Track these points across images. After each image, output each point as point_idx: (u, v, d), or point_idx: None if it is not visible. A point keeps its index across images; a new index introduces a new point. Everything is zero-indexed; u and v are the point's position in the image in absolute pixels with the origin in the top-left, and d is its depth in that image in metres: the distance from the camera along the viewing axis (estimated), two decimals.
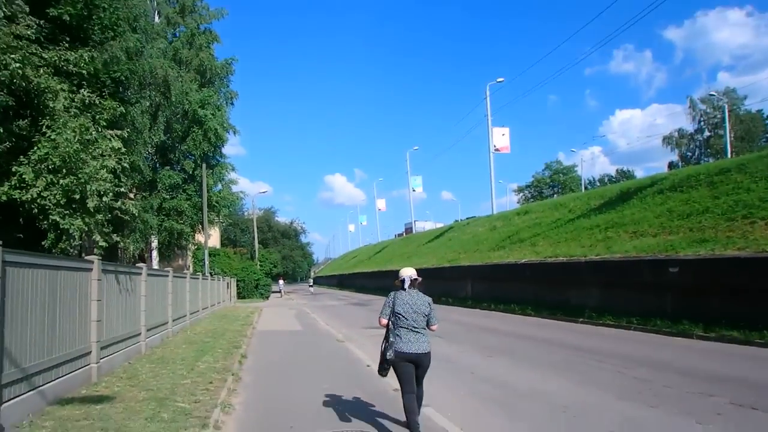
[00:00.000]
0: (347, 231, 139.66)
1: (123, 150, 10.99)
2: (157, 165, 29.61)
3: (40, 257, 6.88)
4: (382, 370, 6.32)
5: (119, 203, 10.75)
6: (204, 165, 29.22)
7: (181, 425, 6.14)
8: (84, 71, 11.47)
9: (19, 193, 9.44)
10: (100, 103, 11.34)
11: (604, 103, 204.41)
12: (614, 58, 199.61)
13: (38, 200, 9.56)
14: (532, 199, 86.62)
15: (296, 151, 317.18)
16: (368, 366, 10.82)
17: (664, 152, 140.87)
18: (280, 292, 53.95)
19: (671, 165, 71.16)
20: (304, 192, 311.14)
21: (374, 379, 9.21)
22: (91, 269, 8.65)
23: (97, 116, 11.03)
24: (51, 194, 9.62)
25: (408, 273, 6.19)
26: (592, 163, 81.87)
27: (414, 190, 74.61)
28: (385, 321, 6.13)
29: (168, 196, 28.65)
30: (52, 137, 9.66)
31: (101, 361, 8.93)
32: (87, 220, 9.85)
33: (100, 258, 8.92)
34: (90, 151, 9.96)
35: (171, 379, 8.82)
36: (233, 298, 39.42)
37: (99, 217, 10.70)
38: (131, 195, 25.08)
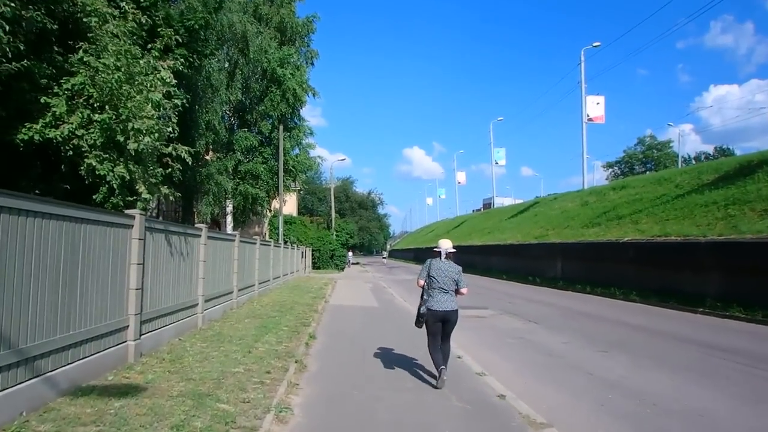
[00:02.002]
0: (424, 204, 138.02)
1: (173, 82, 9.35)
2: (235, 126, 28.68)
3: (50, 204, 5.27)
4: (419, 323, 7.20)
5: (170, 148, 9.15)
6: (281, 127, 27.98)
7: None
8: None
9: (54, 131, 7.96)
10: (148, 22, 9.75)
11: (697, 78, 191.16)
12: (711, 30, 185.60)
13: (73, 140, 8.08)
14: (622, 176, 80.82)
15: (376, 124, 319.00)
16: (459, 357, 8.89)
17: (764, 131, 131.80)
18: (348, 263, 53.06)
19: None
20: (382, 165, 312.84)
21: (472, 378, 7.61)
22: (132, 226, 7.11)
23: (149, 46, 9.44)
24: (87, 133, 8.12)
25: (445, 246, 7.21)
26: (683, 141, 75.23)
27: (497, 163, 71.30)
28: (422, 282, 7.16)
29: (244, 159, 27.65)
30: (87, 61, 8.12)
31: (142, 337, 7.44)
32: (132, 167, 8.29)
33: (143, 213, 7.35)
34: (137, 83, 8.38)
35: (221, 364, 7.21)
36: (308, 268, 38.45)
37: (157, 170, 9.24)
38: (210, 155, 24.38)
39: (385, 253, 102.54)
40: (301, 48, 30.91)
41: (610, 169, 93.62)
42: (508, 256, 37.25)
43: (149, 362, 7.10)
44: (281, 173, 28.40)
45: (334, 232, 52.31)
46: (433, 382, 7.10)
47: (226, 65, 25.16)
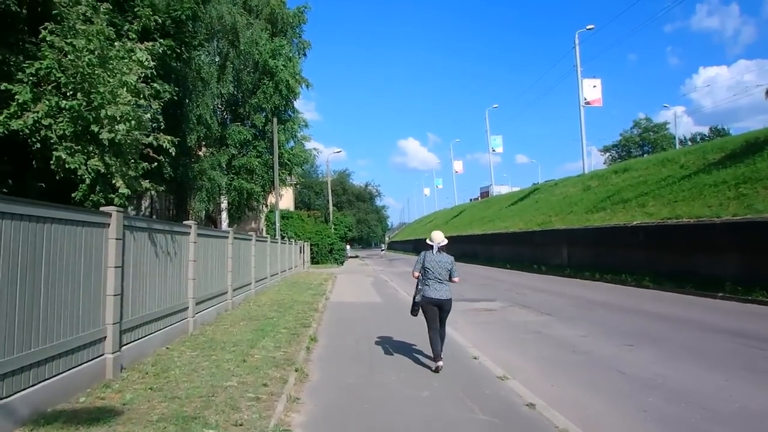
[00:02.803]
0: (422, 195, 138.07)
1: (151, 64, 8.43)
2: (227, 120, 27.82)
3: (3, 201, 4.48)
4: (414, 311, 7.77)
5: (150, 138, 8.26)
6: (275, 119, 27.06)
7: None
8: None
9: (17, 122, 7.04)
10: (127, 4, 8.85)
11: (686, 60, 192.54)
12: (697, 12, 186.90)
13: (41, 130, 7.19)
14: (619, 159, 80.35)
15: (369, 116, 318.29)
16: (475, 358, 8.16)
17: (753, 111, 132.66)
18: (346, 256, 52.45)
19: None
20: (377, 157, 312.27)
21: (494, 383, 6.82)
22: (108, 225, 6.30)
23: (126, 28, 8.52)
24: (56, 123, 7.23)
25: (438, 239, 7.65)
26: (675, 124, 75.87)
27: (494, 151, 70.34)
28: (417, 274, 7.66)
29: (237, 153, 26.83)
30: (51, 41, 7.23)
31: (123, 348, 6.65)
32: (108, 160, 7.41)
33: (121, 210, 6.52)
34: (110, 67, 7.50)
35: (211, 377, 6.41)
36: (306, 263, 37.64)
37: (141, 164, 8.37)
38: (203, 151, 23.48)
39: (383, 246, 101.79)
40: (293, 39, 30.02)
41: (607, 153, 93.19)
42: (510, 245, 36.69)
43: (130, 377, 6.30)
44: (276, 166, 27.54)
45: (332, 226, 51.44)
46: (455, 391, 6.40)
47: (217, 59, 24.31)
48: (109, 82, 7.39)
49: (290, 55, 28.38)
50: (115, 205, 6.82)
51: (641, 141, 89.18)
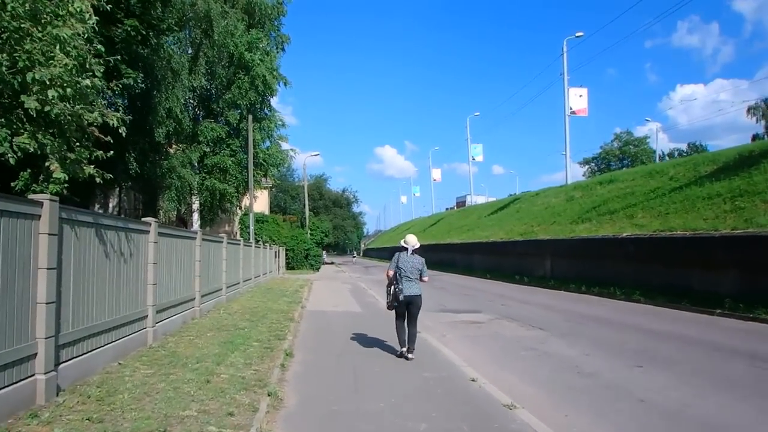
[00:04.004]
0: (399, 203, 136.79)
1: (93, 20, 7.20)
2: (199, 116, 26.52)
3: None
4: (391, 306, 8.47)
5: (95, 114, 7.06)
6: (251, 116, 25.79)
7: None
8: None
9: None
10: None
11: (665, 77, 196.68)
12: (678, 30, 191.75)
13: None
14: (599, 172, 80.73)
15: (347, 122, 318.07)
16: (473, 380, 7.14)
17: (727, 129, 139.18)
18: (322, 262, 51.47)
19: (755, 137, 64.14)
20: (354, 163, 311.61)
21: (501, 413, 5.78)
22: (38, 216, 5.15)
23: None
24: None
25: (412, 242, 8.39)
26: (656, 138, 76.91)
27: (474, 159, 69.67)
28: (391, 273, 8.45)
29: (210, 152, 25.54)
30: None
31: (60, 367, 5.49)
32: (42, 138, 6.18)
33: (56, 199, 5.36)
34: (43, 22, 6.28)
35: (166, 404, 5.27)
36: (281, 268, 36.31)
37: (85, 152, 7.17)
38: (174, 148, 22.13)
39: (354, 253, 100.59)
40: (271, 32, 28.77)
41: (587, 166, 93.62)
42: (491, 254, 35.90)
43: (67, 403, 5.13)
44: (251, 166, 26.29)
45: (309, 231, 50.14)
46: (458, 424, 5.39)
47: (189, 49, 23.08)
48: (39, 38, 6.14)
49: (268, 49, 27.15)
50: (51, 193, 5.65)
51: (621, 154, 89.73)
